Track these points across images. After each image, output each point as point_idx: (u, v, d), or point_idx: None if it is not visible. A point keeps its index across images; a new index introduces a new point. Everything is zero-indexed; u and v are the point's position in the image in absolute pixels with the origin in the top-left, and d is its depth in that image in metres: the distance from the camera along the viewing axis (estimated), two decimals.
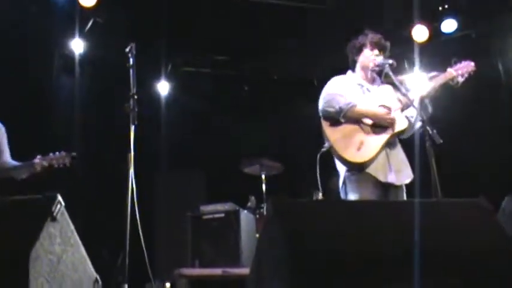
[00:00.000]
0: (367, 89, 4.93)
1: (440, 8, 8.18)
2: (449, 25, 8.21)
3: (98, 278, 4.02)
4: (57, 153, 5.32)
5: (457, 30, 8.27)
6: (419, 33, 8.10)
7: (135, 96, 4.75)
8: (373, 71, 4.90)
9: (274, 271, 2.80)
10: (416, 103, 4.62)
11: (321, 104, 4.77)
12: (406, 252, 2.77)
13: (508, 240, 3.09)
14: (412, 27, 8.07)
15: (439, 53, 7.70)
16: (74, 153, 5.36)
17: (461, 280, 2.80)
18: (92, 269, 3.98)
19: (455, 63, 4.92)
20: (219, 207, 7.23)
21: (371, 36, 4.94)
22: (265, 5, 7.93)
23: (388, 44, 4.97)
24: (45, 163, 5.29)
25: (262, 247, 3.11)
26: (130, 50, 4.94)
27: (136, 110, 4.70)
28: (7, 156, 5.46)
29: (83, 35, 7.85)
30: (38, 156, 5.30)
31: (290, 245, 2.69)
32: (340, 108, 4.64)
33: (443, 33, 8.31)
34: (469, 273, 2.83)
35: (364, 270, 2.67)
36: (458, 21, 8.18)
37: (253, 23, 8.10)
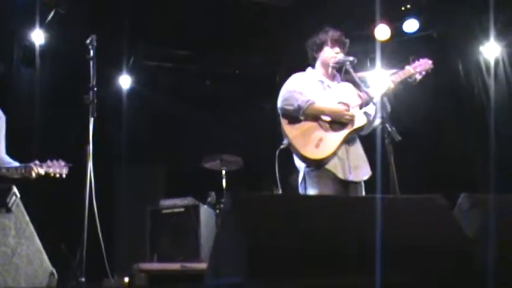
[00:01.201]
0: (328, 85, 4.95)
1: (402, 8, 8.24)
2: (411, 25, 8.27)
3: (54, 271, 3.99)
4: (54, 161, 5.10)
5: (419, 30, 8.33)
6: (382, 32, 8.15)
7: (95, 88, 4.72)
8: (333, 68, 4.93)
9: (231, 266, 2.79)
10: (376, 100, 4.67)
11: (280, 102, 4.78)
12: (363, 247, 2.79)
13: (464, 236, 3.12)
14: (374, 26, 8.13)
15: (400, 52, 7.78)
16: (70, 164, 5.17)
17: (416, 275, 2.83)
18: (48, 262, 3.94)
19: (414, 61, 4.99)
20: (179, 201, 7.23)
21: (331, 33, 4.97)
22: (229, 1, 7.92)
23: (348, 41, 5.01)
24: (42, 171, 5.02)
25: (219, 241, 3.10)
26: (91, 42, 4.90)
27: (95, 102, 4.68)
28: (1, 150, 5.17)
29: (43, 26, 7.74)
30: (36, 162, 5.02)
31: (247, 239, 2.69)
32: (298, 105, 4.65)
33: (406, 33, 8.37)
34: (425, 268, 2.86)
35: (321, 264, 2.68)
36: (420, 21, 8.24)
37: (217, 18, 8.08)
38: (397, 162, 4.35)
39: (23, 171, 4.97)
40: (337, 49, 4.94)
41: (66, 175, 5.08)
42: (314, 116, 4.69)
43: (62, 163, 5.07)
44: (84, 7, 7.60)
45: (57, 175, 5.07)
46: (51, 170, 5.03)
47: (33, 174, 4.97)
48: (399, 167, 4.36)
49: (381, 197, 3.43)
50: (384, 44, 8.14)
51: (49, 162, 5.04)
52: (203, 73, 9.32)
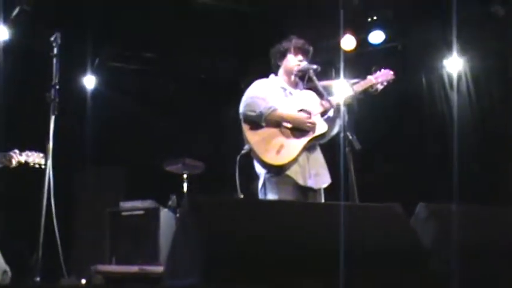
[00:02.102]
0: (290, 92, 4.97)
1: (369, 19, 8.30)
2: (376, 36, 8.32)
3: (8, 269, 3.94)
4: (33, 151, 5.07)
5: (384, 41, 8.39)
6: (347, 42, 8.19)
7: (57, 87, 4.68)
8: (296, 75, 4.96)
9: (187, 267, 2.80)
10: (337, 108, 4.71)
11: (242, 107, 4.79)
12: (319, 253, 2.82)
13: (419, 245, 3.17)
14: (340, 36, 8.18)
15: (365, 62, 7.83)
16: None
17: (371, 282, 2.86)
18: (2, 261, 3.90)
19: (375, 71, 5.05)
20: (139, 204, 7.19)
21: (295, 41, 4.99)
22: (198, 5, 7.91)
23: (311, 49, 5.03)
24: (22, 159, 4.99)
25: (177, 243, 3.10)
26: (55, 39, 4.87)
27: (57, 100, 4.64)
28: None
29: (8, 22, 7.64)
30: (15, 150, 5.02)
31: (203, 241, 2.69)
32: (260, 112, 4.68)
33: (371, 44, 8.44)
34: (380, 275, 2.89)
35: (276, 268, 2.69)
36: (385, 33, 8.30)
37: (184, 22, 8.06)
38: (359, 171, 4.39)
39: (3, 159, 4.96)
40: (300, 57, 4.96)
41: (25, 173, 5.03)
42: (276, 123, 4.72)
43: (41, 154, 5.04)
44: (50, 5, 7.52)
45: (36, 165, 5.04)
46: (30, 160, 5.01)
47: (14, 162, 5.00)
48: (361, 175, 4.41)
49: (338, 204, 3.46)
50: (349, 54, 8.20)
51: (28, 152, 5.03)
52: (168, 76, 9.28)
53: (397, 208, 3.33)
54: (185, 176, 7.52)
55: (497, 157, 7.77)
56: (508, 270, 3.26)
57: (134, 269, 6.40)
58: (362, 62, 7.91)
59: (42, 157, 5.02)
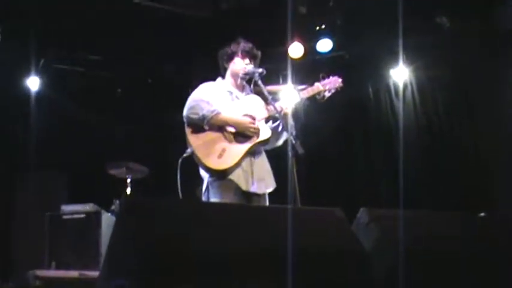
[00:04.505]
0: (236, 96, 4.95)
1: (317, 28, 8.34)
2: (324, 45, 8.37)
3: None
4: None
5: (331, 50, 8.45)
6: (295, 50, 8.23)
7: None
8: (242, 79, 4.94)
9: (123, 269, 2.74)
10: (283, 114, 4.70)
11: (186, 110, 4.74)
12: (258, 255, 2.80)
13: (360, 248, 3.17)
14: (289, 43, 8.21)
15: (312, 70, 7.88)
16: None
17: (311, 285, 2.85)
18: None
19: (324, 78, 5.05)
20: (80, 208, 7.06)
21: (243, 44, 4.97)
22: (146, 8, 7.83)
23: (259, 53, 5.02)
24: None
25: (113, 246, 3.05)
26: None
27: None
28: None
29: None
30: None
31: (139, 242, 2.65)
32: (203, 115, 4.64)
33: (319, 52, 8.48)
34: (319, 279, 2.88)
35: (213, 270, 2.66)
36: (333, 41, 8.36)
37: (132, 26, 7.98)
38: (304, 175, 4.40)
39: None
40: (247, 60, 4.94)
41: None
42: (219, 127, 4.69)
43: None
44: None
45: None
46: None
47: None
48: (306, 180, 4.41)
49: (280, 207, 3.45)
50: (297, 61, 8.24)
51: None
52: (115, 80, 9.17)
53: (338, 213, 3.33)
54: (129, 180, 7.43)
55: (441, 164, 7.88)
56: (450, 275, 3.28)
57: (74, 273, 6.29)
58: (309, 70, 7.95)
59: None
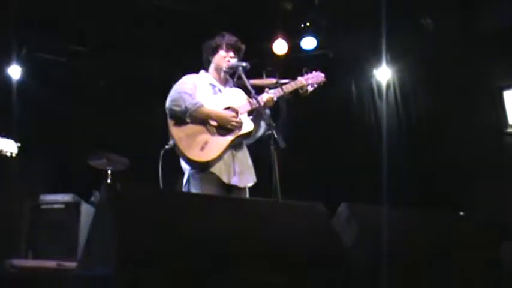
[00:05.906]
0: (219, 89, 4.96)
1: (302, 25, 8.35)
2: (309, 42, 8.37)
3: None
4: (5, 138, 4.86)
5: (316, 48, 8.46)
6: (280, 47, 8.25)
7: None
8: (226, 72, 4.95)
9: (102, 258, 2.73)
10: (265, 107, 4.71)
11: (168, 102, 4.73)
12: (240, 247, 2.80)
13: (340, 244, 3.18)
14: (273, 40, 8.22)
15: (296, 67, 7.88)
16: (18, 144, 4.89)
17: (287, 279, 2.85)
18: None
19: (307, 72, 5.07)
20: (59, 198, 7.03)
21: (227, 38, 4.98)
22: (129, 2, 7.81)
23: (244, 47, 5.03)
24: None
25: (93, 234, 3.03)
26: None
27: None
28: None
29: None
30: None
31: (119, 231, 2.63)
32: (186, 107, 4.63)
33: (303, 50, 8.48)
34: (297, 273, 2.89)
35: (194, 260, 2.66)
36: (318, 39, 8.36)
37: (115, 18, 7.95)
38: (286, 170, 4.40)
39: None
40: (231, 54, 4.95)
41: None
42: (201, 120, 4.68)
43: (12, 140, 4.87)
44: None
45: (7, 153, 4.87)
46: (2, 147, 4.82)
47: None
48: (289, 174, 4.42)
49: (260, 200, 3.45)
50: (281, 58, 8.26)
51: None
52: (97, 72, 9.11)
53: (319, 207, 3.33)
54: (109, 171, 7.40)
55: (422, 163, 7.93)
56: (428, 271, 3.30)
57: (52, 264, 6.24)
58: (293, 67, 7.96)
59: (13, 144, 4.86)
